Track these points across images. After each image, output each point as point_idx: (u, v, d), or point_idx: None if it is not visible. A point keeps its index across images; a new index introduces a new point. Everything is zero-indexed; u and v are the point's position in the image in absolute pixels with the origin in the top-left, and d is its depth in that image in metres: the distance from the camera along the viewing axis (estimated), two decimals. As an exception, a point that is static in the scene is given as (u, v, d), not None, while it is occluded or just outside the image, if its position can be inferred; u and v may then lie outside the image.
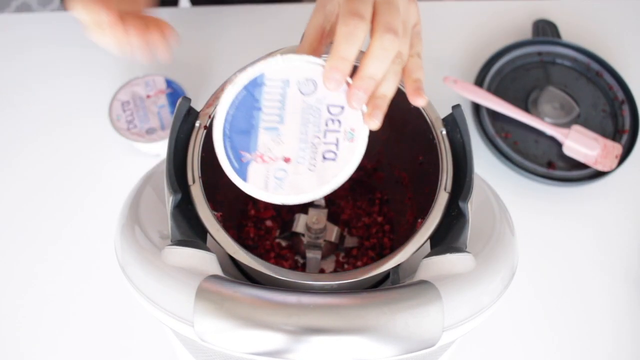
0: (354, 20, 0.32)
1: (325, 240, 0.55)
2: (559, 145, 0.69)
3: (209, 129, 0.42)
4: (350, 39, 0.32)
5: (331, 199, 0.60)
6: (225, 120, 0.35)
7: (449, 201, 0.39)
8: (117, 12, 0.51)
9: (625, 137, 0.69)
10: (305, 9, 0.80)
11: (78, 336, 0.59)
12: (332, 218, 0.59)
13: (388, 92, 0.35)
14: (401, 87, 0.43)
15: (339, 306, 0.31)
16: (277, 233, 0.58)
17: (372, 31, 0.33)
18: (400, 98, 0.44)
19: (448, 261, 0.35)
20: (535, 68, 0.75)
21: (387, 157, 0.54)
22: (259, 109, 0.35)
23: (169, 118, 0.66)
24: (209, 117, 0.42)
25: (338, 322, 0.30)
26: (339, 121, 0.35)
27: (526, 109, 0.71)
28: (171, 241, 0.35)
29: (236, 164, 0.35)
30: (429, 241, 0.38)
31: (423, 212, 0.40)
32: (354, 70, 0.33)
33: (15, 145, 0.70)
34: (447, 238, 0.37)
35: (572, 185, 0.67)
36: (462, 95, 0.70)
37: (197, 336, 0.31)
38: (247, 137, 0.35)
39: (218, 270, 0.34)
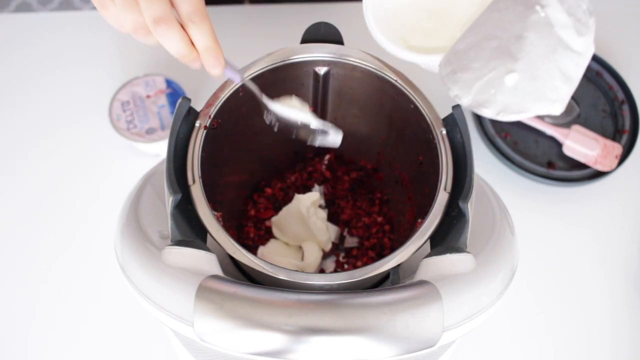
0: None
1: (325, 240, 0.56)
2: (559, 145, 0.69)
3: (209, 128, 0.42)
4: None
5: (331, 199, 0.60)
6: None
7: (449, 201, 0.39)
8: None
9: (625, 137, 0.69)
10: (306, 8, 0.80)
11: (77, 336, 0.59)
12: (332, 218, 0.59)
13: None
14: (401, 88, 0.44)
15: (339, 306, 0.31)
16: (277, 233, 0.58)
17: None
18: (400, 98, 0.44)
19: (448, 261, 0.35)
20: (535, 68, 0.75)
21: (387, 157, 0.54)
22: None
23: (169, 118, 0.66)
24: (209, 117, 0.42)
25: (338, 322, 0.30)
26: None
27: (526, 109, 0.71)
28: (171, 241, 0.35)
29: None
30: (429, 241, 0.38)
31: (423, 212, 0.40)
32: None
33: (14, 145, 0.70)
34: (447, 238, 0.37)
35: (572, 185, 0.67)
36: (462, 95, 0.70)
37: (197, 336, 0.31)
38: None
39: (218, 270, 0.34)
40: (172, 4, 0.36)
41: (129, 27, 0.37)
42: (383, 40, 0.39)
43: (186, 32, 0.37)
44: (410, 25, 0.41)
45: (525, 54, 0.34)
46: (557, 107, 0.34)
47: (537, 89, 0.34)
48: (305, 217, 0.53)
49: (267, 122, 0.45)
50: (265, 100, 0.43)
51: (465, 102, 0.35)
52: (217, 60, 0.38)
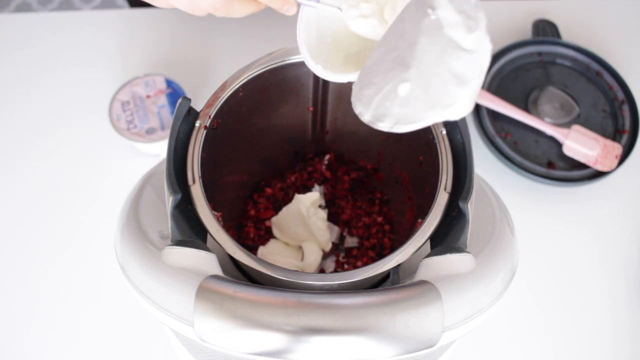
0: None
1: (325, 240, 0.56)
2: (559, 145, 0.69)
3: (209, 128, 0.42)
4: None
5: (331, 199, 0.60)
6: None
7: (449, 201, 0.39)
8: None
9: (625, 137, 0.69)
10: (305, 9, 0.80)
11: (77, 336, 0.59)
12: (332, 218, 0.59)
13: None
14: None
15: (339, 306, 0.31)
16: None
17: None
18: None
19: (448, 261, 0.35)
20: (535, 68, 0.75)
21: (387, 157, 0.55)
22: None
23: (169, 118, 0.66)
24: (209, 117, 0.42)
25: (338, 322, 0.30)
26: None
27: (526, 109, 0.71)
28: (171, 241, 0.35)
29: None
30: (429, 241, 0.38)
31: (423, 212, 0.40)
32: None
33: (14, 145, 0.70)
34: (447, 238, 0.37)
35: (572, 185, 0.67)
36: (462, 95, 0.70)
37: (197, 336, 0.31)
38: None
39: (218, 270, 0.34)
40: None
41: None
42: (307, 57, 0.39)
43: None
44: (344, 50, 0.41)
45: (417, 61, 0.32)
46: (453, 112, 0.31)
47: (429, 96, 0.32)
48: (305, 217, 0.53)
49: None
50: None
51: (365, 118, 0.34)
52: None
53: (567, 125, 0.70)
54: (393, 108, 0.33)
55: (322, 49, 0.40)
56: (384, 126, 0.33)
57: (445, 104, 0.32)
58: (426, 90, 0.32)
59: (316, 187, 0.60)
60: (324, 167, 0.59)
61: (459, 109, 0.31)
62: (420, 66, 0.32)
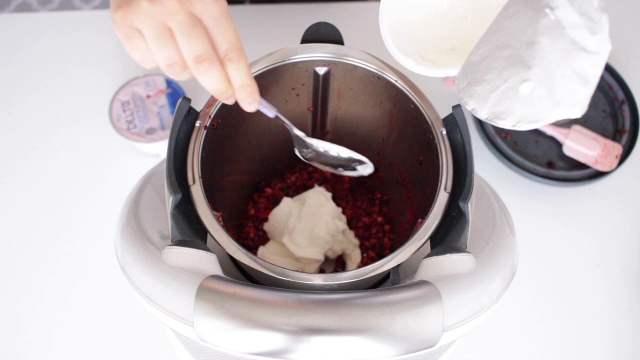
0: None
1: (325, 240, 0.55)
2: (559, 145, 0.69)
3: (209, 128, 0.42)
4: None
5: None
6: None
7: (449, 201, 0.39)
8: None
9: (625, 137, 0.69)
10: (306, 8, 0.80)
11: (78, 336, 0.59)
12: (332, 218, 0.59)
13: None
14: (401, 88, 0.44)
15: (339, 306, 0.31)
16: (277, 233, 0.58)
17: None
18: (400, 98, 0.44)
19: (448, 261, 0.35)
20: (535, 68, 0.75)
21: (387, 157, 0.54)
22: None
23: (169, 118, 0.66)
24: (209, 117, 0.42)
25: (338, 322, 0.30)
26: None
27: (526, 109, 0.71)
28: (171, 241, 0.35)
29: None
30: (429, 241, 0.38)
31: (423, 212, 0.40)
32: None
33: (15, 145, 0.70)
34: (447, 238, 0.37)
35: (572, 185, 0.67)
36: (462, 95, 0.70)
37: (197, 336, 0.31)
38: None
39: (218, 270, 0.34)
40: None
41: (161, 62, 0.36)
42: (396, 52, 0.38)
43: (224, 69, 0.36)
44: (428, 42, 0.41)
45: (538, 60, 0.33)
46: (576, 111, 0.33)
47: (553, 95, 0.33)
48: (295, 216, 0.53)
49: (302, 157, 0.45)
50: (301, 134, 0.44)
51: (482, 115, 0.35)
52: (252, 97, 0.38)
53: (567, 125, 0.70)
54: (514, 107, 0.33)
55: (405, 42, 0.39)
56: (505, 124, 0.34)
57: (569, 103, 0.33)
58: (549, 89, 0.33)
59: (316, 187, 0.60)
60: (324, 167, 0.59)
61: (581, 108, 0.33)
62: (542, 66, 0.33)
